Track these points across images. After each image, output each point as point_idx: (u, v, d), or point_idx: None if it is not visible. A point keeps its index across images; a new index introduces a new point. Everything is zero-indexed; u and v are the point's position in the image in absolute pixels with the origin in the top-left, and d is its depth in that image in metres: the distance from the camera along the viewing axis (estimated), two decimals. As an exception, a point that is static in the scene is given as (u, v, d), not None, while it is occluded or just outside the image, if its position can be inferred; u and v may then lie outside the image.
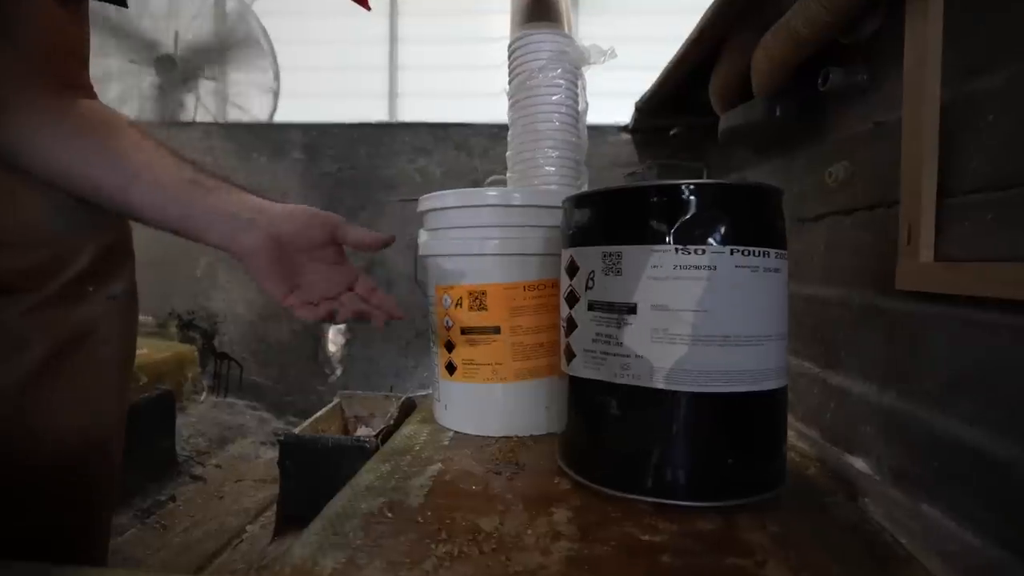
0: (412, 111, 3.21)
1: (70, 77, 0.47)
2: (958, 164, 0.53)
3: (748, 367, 0.46)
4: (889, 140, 0.62)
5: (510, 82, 0.73)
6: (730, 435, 0.47)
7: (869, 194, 0.68)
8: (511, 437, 0.67)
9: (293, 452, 0.74)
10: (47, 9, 0.44)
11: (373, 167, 1.36)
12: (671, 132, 1.14)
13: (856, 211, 0.71)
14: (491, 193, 0.66)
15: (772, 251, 0.48)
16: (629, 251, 0.47)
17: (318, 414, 0.87)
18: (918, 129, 0.56)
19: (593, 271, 0.50)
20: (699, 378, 0.46)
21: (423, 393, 0.98)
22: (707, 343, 0.46)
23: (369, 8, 0.77)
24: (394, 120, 3.12)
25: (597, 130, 1.28)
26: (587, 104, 0.72)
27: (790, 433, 0.73)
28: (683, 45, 0.88)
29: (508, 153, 0.73)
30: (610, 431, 0.50)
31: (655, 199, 0.47)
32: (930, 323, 0.54)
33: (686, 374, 0.46)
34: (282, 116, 2.11)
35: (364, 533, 0.43)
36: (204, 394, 1.27)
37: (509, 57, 0.73)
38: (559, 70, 0.69)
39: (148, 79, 1.75)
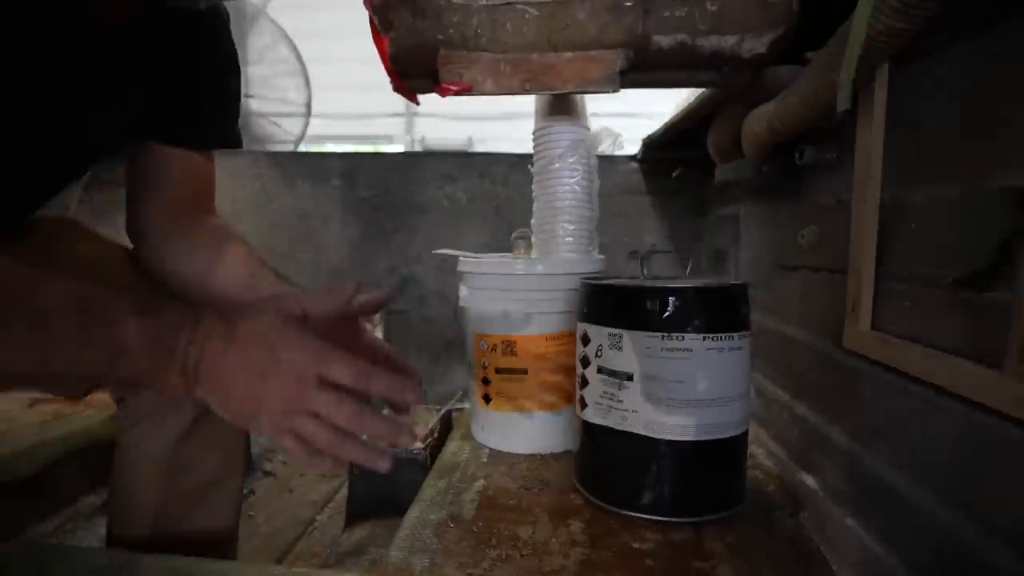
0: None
1: (200, 205, 0.63)
2: (890, 255, 0.67)
3: (715, 421, 0.63)
4: (848, 217, 0.76)
5: (534, 163, 0.88)
6: (701, 470, 0.64)
7: (832, 259, 0.82)
8: (536, 455, 0.84)
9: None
10: (186, 162, 0.60)
11: (405, 193, 1.51)
12: (673, 174, 1.28)
13: (821, 271, 0.86)
14: (519, 265, 0.82)
15: (735, 334, 0.64)
16: (628, 334, 0.64)
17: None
18: (861, 221, 0.70)
19: (601, 345, 0.66)
20: (678, 430, 0.62)
21: (458, 407, 1.16)
22: (685, 404, 0.62)
23: (418, 103, 0.92)
24: (423, 149, 3.32)
25: (609, 160, 1.41)
26: (599, 181, 0.87)
27: (760, 451, 0.90)
28: (679, 113, 1.02)
29: (533, 221, 0.89)
30: (613, 464, 0.67)
31: (648, 298, 0.63)
32: (865, 378, 0.70)
33: (669, 426, 0.62)
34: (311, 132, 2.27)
35: (437, 540, 0.61)
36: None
37: (534, 142, 0.88)
38: (575, 157, 0.84)
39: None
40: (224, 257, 0.58)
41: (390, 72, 0.80)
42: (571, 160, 0.83)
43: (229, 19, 0.63)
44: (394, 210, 1.52)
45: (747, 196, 1.18)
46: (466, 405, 1.08)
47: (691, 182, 1.37)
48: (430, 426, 1.06)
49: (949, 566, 0.50)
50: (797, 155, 0.86)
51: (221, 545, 0.66)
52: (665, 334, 0.62)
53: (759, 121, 0.90)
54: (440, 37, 0.76)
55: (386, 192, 1.52)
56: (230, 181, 1.52)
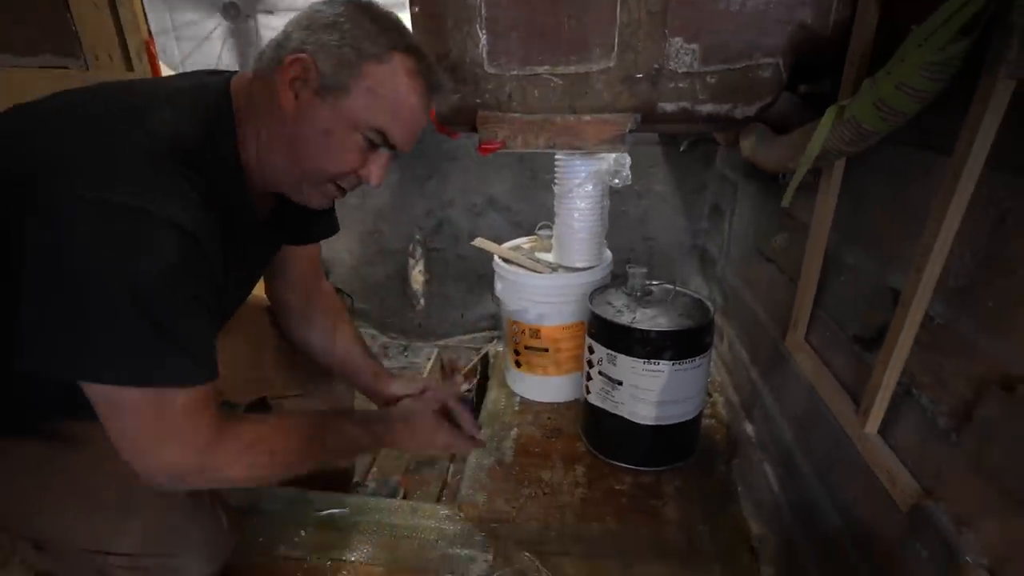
0: None
1: (315, 277, 0.87)
2: (826, 293, 0.89)
3: (676, 412, 0.92)
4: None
5: (555, 184, 1.06)
6: (664, 440, 0.96)
7: (793, 269, 1.03)
8: (554, 403, 1.17)
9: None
10: (303, 251, 0.84)
11: (438, 141, 1.64)
12: (680, 148, 1.41)
13: (785, 274, 1.07)
14: (543, 275, 1.05)
15: (697, 357, 0.90)
16: (620, 356, 0.90)
17: (428, 366, 1.37)
18: (810, 263, 0.90)
19: (602, 358, 0.93)
20: (650, 418, 0.92)
21: (490, 337, 1.46)
22: (656, 403, 0.91)
23: (459, 138, 1.06)
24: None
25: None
26: (609, 202, 1.05)
27: (720, 399, 1.21)
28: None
29: (553, 234, 1.10)
30: (608, 431, 0.99)
31: (635, 335, 0.88)
32: (791, 370, 0.96)
33: (644, 416, 0.92)
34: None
35: (490, 481, 0.96)
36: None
37: (555, 169, 1.04)
38: (591, 185, 1.01)
39: (219, 25, 1.94)
40: (337, 332, 0.87)
41: (437, 125, 0.95)
42: (587, 189, 1.01)
43: None
44: (428, 158, 1.66)
45: (743, 170, 1.32)
46: (500, 348, 1.39)
47: (701, 142, 1.49)
48: (473, 363, 1.38)
49: (804, 510, 0.83)
50: (780, 176, 1.03)
51: (344, 477, 1.03)
52: (646, 360, 0.88)
53: (747, 148, 1.04)
54: (478, 101, 0.90)
55: (420, 141, 1.65)
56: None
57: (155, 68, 1.09)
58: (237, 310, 0.79)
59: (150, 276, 0.50)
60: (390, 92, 0.61)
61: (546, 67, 0.85)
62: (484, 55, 0.85)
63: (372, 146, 0.63)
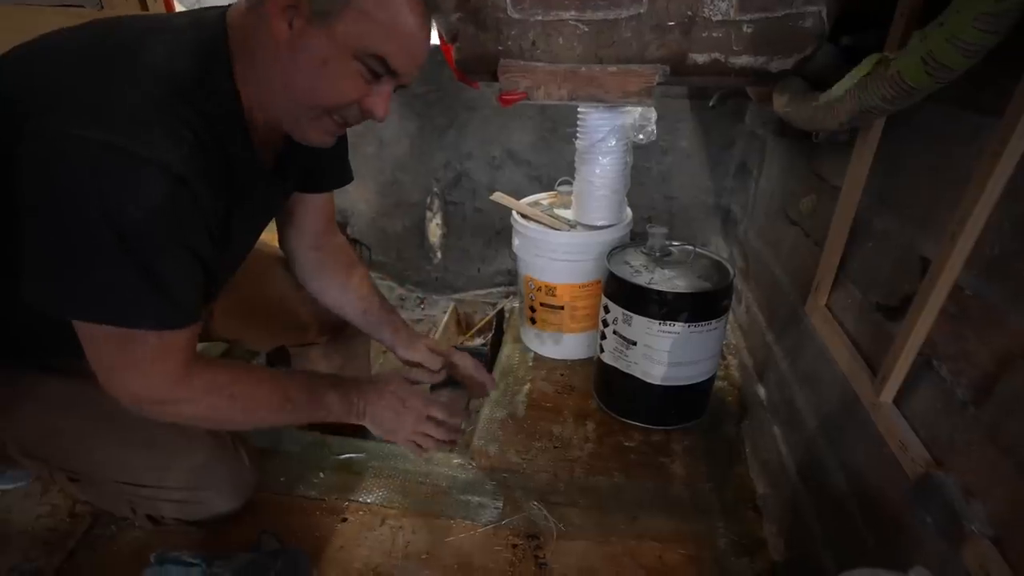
0: None
1: (327, 228, 0.87)
2: (851, 259, 0.86)
3: (690, 374, 0.92)
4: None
5: (577, 138, 1.03)
6: (675, 400, 0.96)
7: (818, 233, 1.00)
8: (567, 360, 1.18)
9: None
10: (316, 201, 0.83)
11: (457, 88, 1.60)
12: (711, 103, 1.34)
13: (810, 238, 1.04)
14: (559, 232, 1.04)
15: (713, 320, 0.89)
16: (635, 317, 0.90)
17: (445, 319, 1.39)
18: (838, 226, 0.88)
19: (617, 318, 0.93)
20: (662, 378, 0.93)
21: (506, 292, 1.47)
22: (669, 364, 0.91)
23: (479, 88, 1.02)
24: None
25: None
26: (632, 160, 1.02)
27: (734, 361, 1.21)
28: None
29: (573, 190, 1.07)
30: (620, 389, 1.00)
31: (652, 296, 0.87)
32: (809, 335, 0.95)
33: (657, 376, 0.93)
34: None
35: (502, 433, 0.98)
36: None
37: (578, 123, 1.01)
38: (614, 140, 0.98)
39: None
40: (352, 285, 0.87)
41: (456, 73, 0.92)
42: (611, 143, 0.98)
43: None
44: (446, 107, 1.62)
45: (774, 127, 1.27)
46: (516, 304, 1.39)
47: (732, 97, 1.43)
48: (488, 318, 1.39)
49: (810, 471, 0.84)
50: (813, 135, 0.98)
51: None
52: (661, 321, 0.88)
53: (780, 104, 0.99)
54: (500, 48, 0.86)
55: (439, 89, 1.61)
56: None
57: (169, 5, 1.06)
58: (243, 258, 0.78)
59: (133, 218, 0.50)
60: (385, 13, 0.57)
61: (573, 12, 0.81)
62: (508, -2, 0.81)
63: (374, 76, 0.60)
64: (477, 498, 0.86)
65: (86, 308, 0.53)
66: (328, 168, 0.81)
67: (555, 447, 0.95)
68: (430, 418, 0.77)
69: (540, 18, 0.82)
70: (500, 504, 0.85)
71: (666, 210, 1.63)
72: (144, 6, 1.04)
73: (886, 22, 0.71)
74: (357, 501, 0.85)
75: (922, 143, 0.69)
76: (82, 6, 1.01)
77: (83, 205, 0.49)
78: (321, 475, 0.89)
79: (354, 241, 1.81)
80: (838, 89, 0.64)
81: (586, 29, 0.83)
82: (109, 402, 0.60)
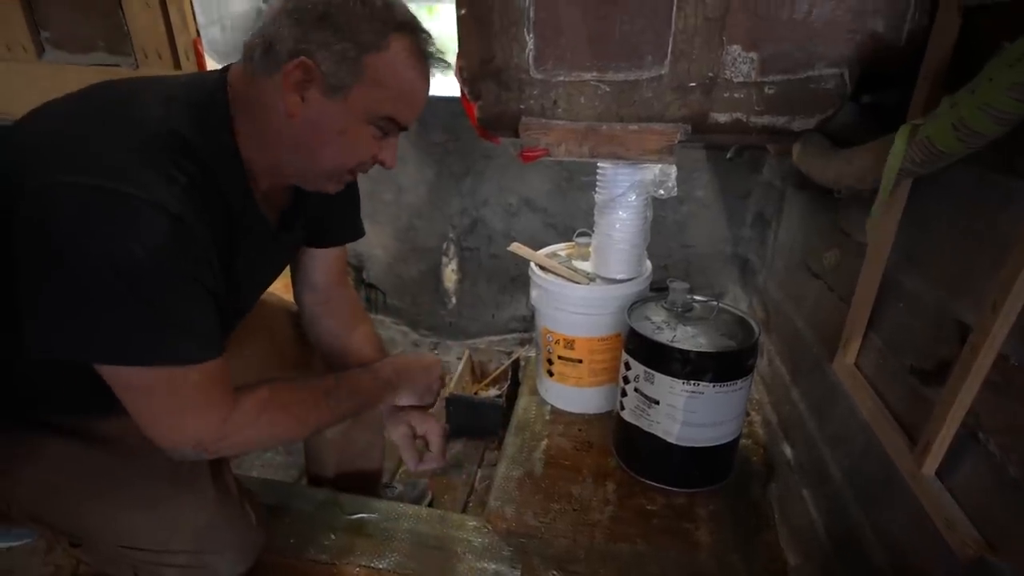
0: None
1: (338, 280, 0.88)
2: (881, 318, 0.83)
3: (715, 434, 0.89)
4: (863, 258, 0.87)
5: (596, 192, 1.03)
6: (699, 462, 0.93)
7: (844, 288, 0.98)
8: (585, 414, 1.15)
9: (456, 402, 1.27)
10: (327, 255, 0.85)
11: (473, 138, 1.62)
12: (728, 156, 1.36)
13: (834, 292, 1.02)
14: (578, 286, 1.03)
15: (739, 380, 0.86)
16: (658, 375, 0.87)
17: (459, 368, 1.37)
18: (866, 285, 0.86)
19: (639, 375, 0.91)
20: (686, 439, 0.89)
21: (521, 339, 1.44)
22: (695, 424, 0.88)
23: (499, 143, 1.04)
24: None
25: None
26: (652, 215, 1.02)
27: (758, 418, 1.17)
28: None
29: (592, 243, 1.07)
30: (641, 449, 0.96)
31: (676, 353, 0.85)
32: (838, 394, 0.91)
33: (681, 437, 0.89)
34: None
35: (519, 493, 0.95)
36: (362, 311, 1.81)
37: (597, 178, 1.02)
38: (634, 195, 0.98)
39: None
40: (352, 336, 0.86)
41: (478, 130, 0.94)
42: (630, 199, 0.98)
43: None
44: (463, 155, 1.65)
45: (792, 179, 1.27)
46: (532, 354, 1.37)
47: (749, 149, 1.44)
48: (503, 367, 1.37)
49: (845, 542, 0.79)
50: (836, 191, 0.97)
51: (373, 479, 1.03)
52: (685, 380, 0.85)
53: (799, 157, 0.99)
54: (522, 107, 0.88)
55: (456, 138, 1.64)
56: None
57: (201, 66, 1.10)
58: (250, 308, 0.78)
59: (138, 257, 0.50)
60: (394, 79, 0.61)
61: (594, 73, 0.82)
62: (530, 60, 0.83)
63: (384, 133, 0.64)
64: (494, 565, 0.82)
65: (112, 348, 0.52)
66: (339, 224, 0.83)
67: (574, 510, 0.92)
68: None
69: (562, 79, 0.84)
70: (518, 573, 0.81)
71: (683, 259, 1.62)
72: (177, 64, 1.08)
73: (906, 81, 0.71)
74: (369, 567, 0.81)
75: (952, 205, 0.68)
76: (118, 65, 1.05)
77: (85, 250, 0.49)
78: (332, 536, 0.85)
79: (369, 286, 1.82)
80: (889, 173, 0.63)
81: (607, 89, 0.84)
82: (109, 463, 0.59)
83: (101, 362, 0.54)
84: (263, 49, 0.59)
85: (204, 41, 1.16)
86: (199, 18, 1.11)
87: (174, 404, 0.56)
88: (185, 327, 0.54)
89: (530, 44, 0.81)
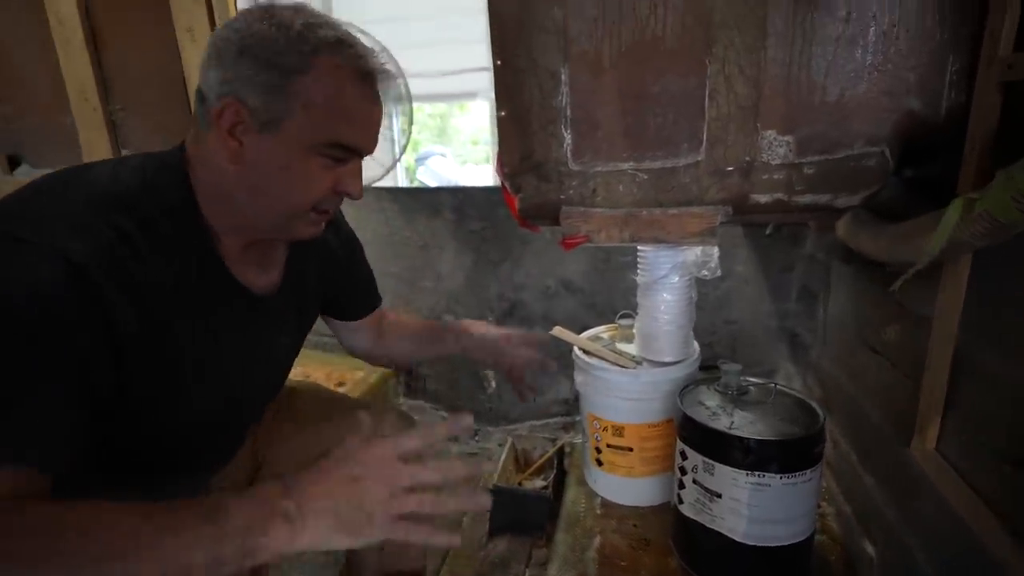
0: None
1: (378, 337, 0.90)
2: (959, 397, 0.77)
3: (782, 533, 0.82)
4: (927, 334, 0.82)
5: (638, 275, 1.03)
6: (773, 562, 0.84)
7: (909, 366, 0.91)
8: (638, 507, 1.07)
9: (501, 493, 1.22)
10: (354, 325, 0.88)
11: (510, 226, 1.67)
12: (767, 232, 1.35)
13: (899, 368, 0.96)
14: (625, 371, 1.00)
15: (808, 470, 0.80)
16: (718, 466, 0.82)
17: (503, 457, 1.32)
18: (936, 362, 0.80)
19: (696, 466, 0.85)
20: (754, 537, 0.82)
21: (563, 424, 1.40)
22: (761, 521, 0.81)
23: (539, 232, 1.07)
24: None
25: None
26: (696, 295, 1.01)
27: (831, 510, 1.07)
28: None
29: (636, 326, 1.05)
30: (705, 548, 0.89)
31: (736, 442, 0.80)
32: (922, 484, 0.82)
33: (747, 534, 0.82)
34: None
35: (574, 599, 0.87)
36: (401, 397, 1.80)
37: (639, 260, 1.02)
38: (677, 277, 0.98)
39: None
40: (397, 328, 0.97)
41: (519, 220, 0.96)
42: (673, 281, 0.97)
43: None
44: (500, 241, 1.69)
45: (838, 253, 1.24)
46: (577, 440, 1.32)
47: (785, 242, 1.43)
48: (548, 454, 1.32)
49: None
50: (887, 265, 0.94)
51: None
52: (748, 471, 0.80)
53: (845, 231, 0.97)
54: (561, 197, 0.90)
55: (493, 225, 1.69)
56: (355, 213, 1.76)
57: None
58: (255, 387, 0.74)
59: (14, 302, 0.45)
60: (328, 101, 0.56)
61: (631, 163, 0.85)
62: (568, 154, 0.86)
63: (338, 161, 0.61)
64: None
65: None
66: (352, 298, 0.88)
67: (635, 619, 0.84)
68: (404, 462, 0.51)
69: (600, 169, 0.87)
70: None
71: (727, 335, 1.57)
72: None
73: (953, 151, 0.70)
74: None
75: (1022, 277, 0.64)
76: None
77: None
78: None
79: (410, 371, 1.82)
80: (936, 243, 0.62)
81: (645, 177, 0.86)
82: None
83: None
84: (199, 101, 0.58)
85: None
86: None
87: None
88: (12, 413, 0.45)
89: (567, 139, 0.84)
